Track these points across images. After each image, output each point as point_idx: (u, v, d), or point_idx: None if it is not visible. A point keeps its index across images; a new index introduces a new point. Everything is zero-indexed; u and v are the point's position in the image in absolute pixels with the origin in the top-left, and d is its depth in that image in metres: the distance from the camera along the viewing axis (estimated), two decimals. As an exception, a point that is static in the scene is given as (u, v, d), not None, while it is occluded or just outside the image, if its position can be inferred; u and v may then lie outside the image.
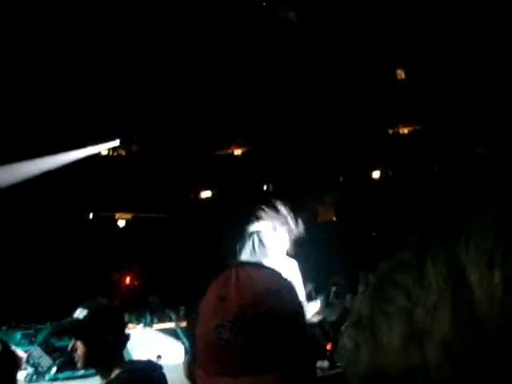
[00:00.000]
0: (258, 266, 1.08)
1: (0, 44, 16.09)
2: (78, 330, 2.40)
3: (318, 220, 21.21)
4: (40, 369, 7.86)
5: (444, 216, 0.44)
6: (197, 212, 22.75)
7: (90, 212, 23.30)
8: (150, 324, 13.90)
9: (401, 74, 22.54)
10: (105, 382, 2.42)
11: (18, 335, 11.47)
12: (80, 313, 2.42)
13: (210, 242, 18.44)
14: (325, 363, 7.31)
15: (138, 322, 14.90)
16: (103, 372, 2.42)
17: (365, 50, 19.49)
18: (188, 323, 0.94)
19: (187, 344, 0.94)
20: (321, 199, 21.28)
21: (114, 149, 23.67)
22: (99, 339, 2.39)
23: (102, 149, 22.31)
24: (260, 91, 20.31)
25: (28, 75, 17.75)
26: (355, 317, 0.45)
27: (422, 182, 18.98)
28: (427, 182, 18.89)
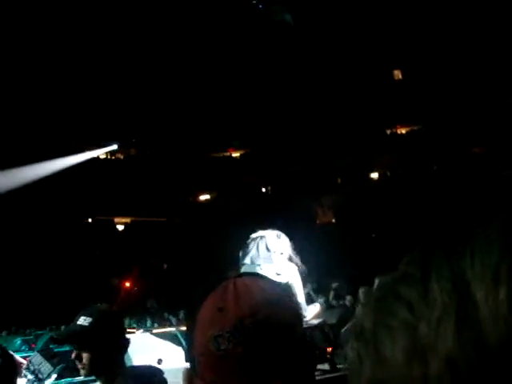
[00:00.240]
0: (256, 276, 1.08)
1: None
2: (83, 338, 2.38)
3: (317, 222, 21.21)
4: (40, 375, 7.82)
5: (448, 228, 0.44)
6: (196, 215, 22.74)
7: (89, 216, 23.29)
8: (149, 328, 13.87)
9: (398, 74, 22.58)
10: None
11: (18, 341, 11.45)
12: (84, 320, 2.40)
13: (209, 245, 18.42)
14: (325, 366, 7.29)
15: (138, 326, 14.87)
16: (106, 379, 2.41)
17: (362, 51, 19.52)
18: (187, 332, 0.95)
19: (187, 348, 0.94)
20: (319, 201, 21.28)
21: (113, 153, 23.67)
22: (104, 346, 2.37)
23: (101, 153, 22.31)
24: (257, 94, 20.33)
25: (26, 82, 17.75)
26: (358, 329, 0.45)
27: (420, 182, 18.99)
28: (425, 182, 18.90)
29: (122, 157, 24.43)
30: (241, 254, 6.29)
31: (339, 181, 22.92)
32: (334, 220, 21.16)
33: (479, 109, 18.73)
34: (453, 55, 19.10)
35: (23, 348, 10.40)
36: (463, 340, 0.38)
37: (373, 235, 17.95)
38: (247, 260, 5.88)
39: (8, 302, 17.31)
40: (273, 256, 5.96)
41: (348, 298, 10.02)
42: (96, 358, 2.37)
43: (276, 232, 6.13)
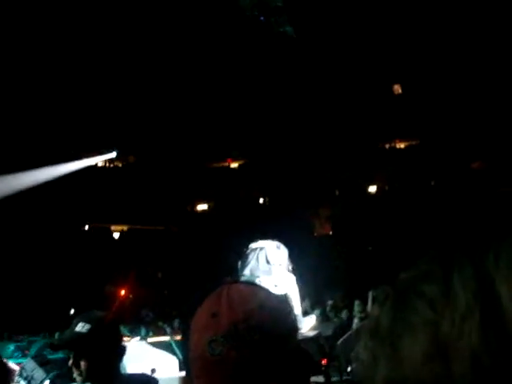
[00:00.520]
0: (250, 283, 1.10)
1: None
2: (82, 344, 2.37)
3: (315, 234, 21.21)
4: (33, 382, 7.79)
5: (466, 232, 0.44)
6: (193, 224, 22.73)
7: (86, 224, 23.26)
8: (144, 337, 13.81)
9: (398, 89, 22.68)
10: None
11: (11, 347, 11.39)
12: (82, 327, 2.39)
13: (205, 255, 18.41)
14: (320, 378, 7.27)
15: (133, 335, 14.81)
16: None
17: (362, 65, 19.62)
18: (182, 339, 0.96)
19: (181, 357, 0.94)
20: (317, 213, 21.30)
21: (111, 161, 23.68)
22: (101, 353, 2.36)
23: (99, 160, 22.32)
24: (256, 105, 20.40)
25: (25, 88, 17.79)
26: (373, 327, 0.44)
27: (418, 196, 19.02)
28: (423, 196, 18.94)
29: (120, 164, 24.45)
30: (239, 265, 6.29)
31: (337, 193, 22.96)
32: (331, 232, 21.16)
33: (478, 124, 18.81)
34: (452, 70, 19.20)
35: (16, 354, 10.35)
36: (488, 338, 0.37)
37: (369, 248, 17.95)
38: (246, 271, 5.88)
39: (1, 308, 17.22)
40: (272, 268, 5.97)
41: (344, 310, 10.01)
42: (93, 365, 2.36)
43: (276, 243, 6.14)
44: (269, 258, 6.13)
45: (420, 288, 0.42)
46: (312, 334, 7.13)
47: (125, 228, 24.04)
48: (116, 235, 24.06)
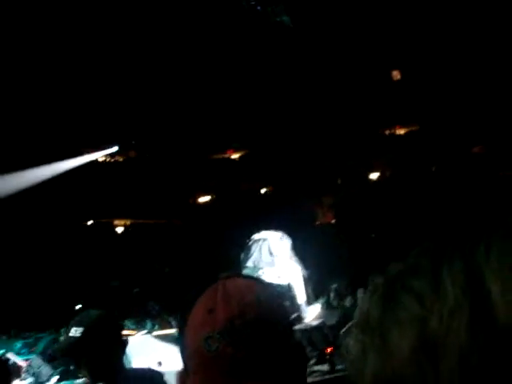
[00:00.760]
0: (246, 277, 1.10)
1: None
2: (78, 349, 2.38)
3: (317, 222, 21.20)
4: (40, 378, 7.83)
5: (458, 224, 0.42)
6: (196, 217, 22.74)
7: (89, 219, 23.28)
8: (150, 331, 13.86)
9: (396, 74, 22.57)
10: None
11: (18, 344, 11.46)
12: (75, 331, 2.39)
13: (209, 247, 18.43)
14: (324, 367, 7.27)
15: (138, 328, 14.86)
16: (107, 382, 2.42)
17: (360, 51, 19.52)
18: (179, 334, 0.96)
19: (180, 350, 0.95)
20: (319, 201, 21.27)
21: (112, 155, 23.65)
22: (99, 352, 2.37)
23: (100, 155, 22.30)
24: (256, 95, 20.33)
25: (25, 85, 17.75)
26: (363, 319, 0.43)
27: (420, 182, 18.98)
28: (424, 182, 18.90)
29: (121, 159, 24.43)
30: (242, 257, 6.30)
31: (339, 181, 22.92)
32: (333, 220, 21.14)
33: (479, 109, 18.73)
34: (452, 55, 19.10)
35: (23, 351, 10.40)
36: (476, 335, 0.36)
37: (372, 235, 17.94)
38: (249, 263, 5.91)
39: (8, 306, 17.29)
40: (275, 259, 6.00)
41: (348, 298, 10.02)
42: (94, 365, 2.38)
43: (279, 234, 6.17)
44: (272, 250, 6.15)
45: (409, 282, 0.41)
46: (316, 322, 7.15)
47: (128, 222, 24.06)
48: (119, 230, 24.09)
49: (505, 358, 0.35)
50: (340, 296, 11.02)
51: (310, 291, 8.19)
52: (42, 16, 16.20)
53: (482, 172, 17.21)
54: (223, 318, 0.88)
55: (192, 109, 20.71)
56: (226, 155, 24.92)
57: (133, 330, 14.14)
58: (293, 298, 6.64)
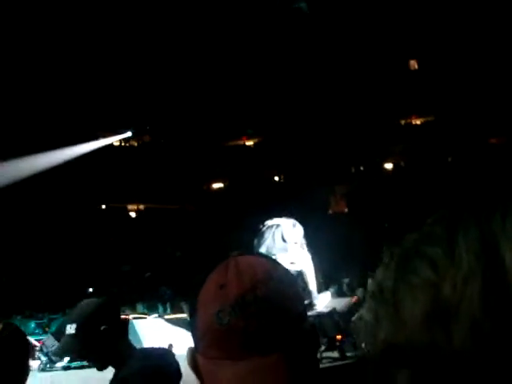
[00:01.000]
0: (258, 254, 1.10)
1: (6, 35, 16.17)
2: (76, 346, 2.38)
3: (330, 211, 21.17)
4: (53, 357, 7.95)
5: (475, 194, 0.43)
6: (209, 203, 22.80)
7: (103, 203, 23.43)
8: (162, 315, 13.98)
9: (414, 64, 22.37)
10: (118, 371, 2.43)
11: (32, 325, 11.61)
12: (70, 328, 2.39)
13: (222, 233, 18.49)
14: (335, 354, 7.31)
15: (150, 312, 14.99)
16: (115, 365, 2.44)
17: (377, 40, 19.36)
18: (190, 314, 0.96)
19: (191, 328, 0.96)
20: (333, 190, 21.22)
21: (127, 140, 23.74)
22: (99, 343, 2.37)
23: (115, 140, 22.40)
24: (271, 82, 20.25)
25: (40, 68, 17.83)
26: (377, 289, 0.44)
27: (435, 173, 18.86)
28: (440, 173, 18.77)
29: (136, 144, 24.51)
30: (255, 242, 6.29)
31: (353, 170, 22.83)
32: (346, 209, 21.10)
33: (495, 99, 18.52)
34: (470, 45, 18.88)
35: (37, 331, 10.56)
36: (489, 302, 0.37)
37: (386, 225, 17.88)
38: (263, 249, 5.90)
39: (22, 287, 17.52)
40: (288, 246, 5.98)
41: (360, 289, 10.01)
42: (97, 354, 2.39)
43: (292, 221, 6.15)
44: (285, 236, 6.13)
45: (423, 249, 0.41)
46: (327, 310, 7.18)
47: (141, 207, 24.19)
48: (133, 214, 24.23)
49: None
50: (352, 285, 11.04)
51: (320, 279, 8.22)
52: (52, 5, 16.25)
53: (499, 163, 17.04)
54: (235, 293, 0.88)
55: (207, 95, 20.71)
56: (241, 142, 24.92)
57: (144, 313, 14.26)
58: (304, 285, 6.66)
